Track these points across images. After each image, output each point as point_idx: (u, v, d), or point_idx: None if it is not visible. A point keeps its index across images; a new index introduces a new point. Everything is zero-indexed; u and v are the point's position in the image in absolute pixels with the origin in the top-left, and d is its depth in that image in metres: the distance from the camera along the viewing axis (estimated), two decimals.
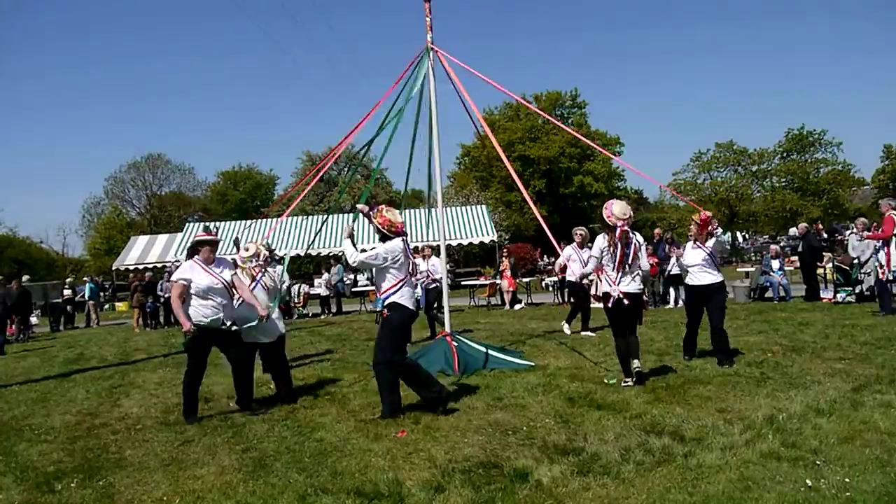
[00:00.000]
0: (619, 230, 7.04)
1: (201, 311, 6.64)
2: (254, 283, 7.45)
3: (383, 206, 6.86)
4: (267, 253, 7.80)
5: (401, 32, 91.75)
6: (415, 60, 9.47)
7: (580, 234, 12.16)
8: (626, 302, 7.02)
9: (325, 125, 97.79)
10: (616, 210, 7.09)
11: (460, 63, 9.66)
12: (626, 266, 7.10)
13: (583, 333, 11.41)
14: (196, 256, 6.82)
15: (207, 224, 7.93)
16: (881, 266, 11.71)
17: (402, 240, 6.68)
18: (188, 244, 7.34)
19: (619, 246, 7.05)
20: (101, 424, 7.01)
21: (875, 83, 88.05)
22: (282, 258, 9.10)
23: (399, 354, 6.51)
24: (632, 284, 7.16)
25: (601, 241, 7.24)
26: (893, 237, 11.41)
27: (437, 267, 12.45)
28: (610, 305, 7.13)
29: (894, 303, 11.82)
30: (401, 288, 6.52)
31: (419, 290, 12.19)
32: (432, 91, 9.33)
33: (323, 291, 21.32)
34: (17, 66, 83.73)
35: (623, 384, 7.07)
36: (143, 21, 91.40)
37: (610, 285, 7.13)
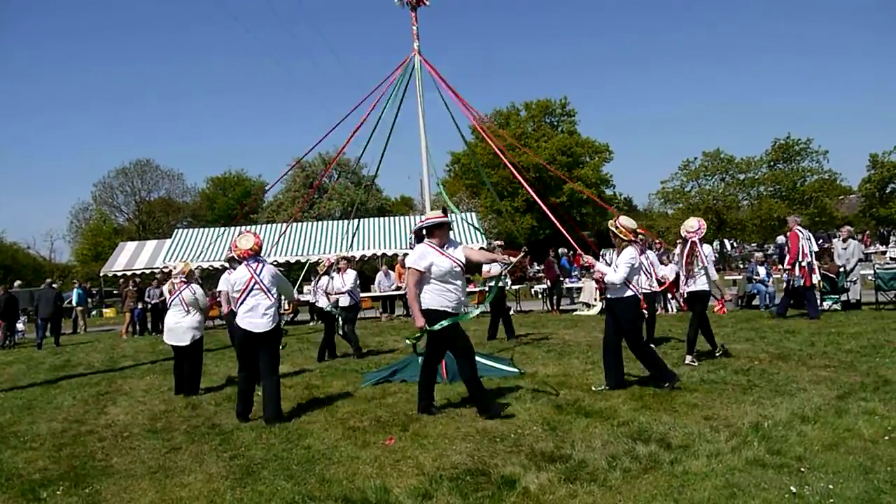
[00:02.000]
0: (689, 241, 8.79)
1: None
2: (173, 297, 8.76)
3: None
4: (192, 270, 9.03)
5: (390, 39, 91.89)
6: (400, 67, 9.52)
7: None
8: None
9: (314, 131, 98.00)
10: (687, 224, 8.95)
11: (439, 76, 9.74)
12: (694, 269, 8.81)
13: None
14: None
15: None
16: (795, 274, 13.05)
17: None
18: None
19: (687, 253, 8.81)
20: (87, 431, 6.97)
21: (861, 91, 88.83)
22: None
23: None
24: (700, 284, 8.89)
25: (679, 250, 9.12)
26: (801, 249, 12.96)
27: (350, 283, 11.82)
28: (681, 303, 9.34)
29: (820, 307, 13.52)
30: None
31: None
32: (419, 98, 9.36)
33: (312, 298, 21.23)
34: (3, 71, 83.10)
35: (688, 364, 8.46)
36: (133, 26, 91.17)
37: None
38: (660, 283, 10.11)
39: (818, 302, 13.80)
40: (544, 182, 49.35)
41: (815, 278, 12.94)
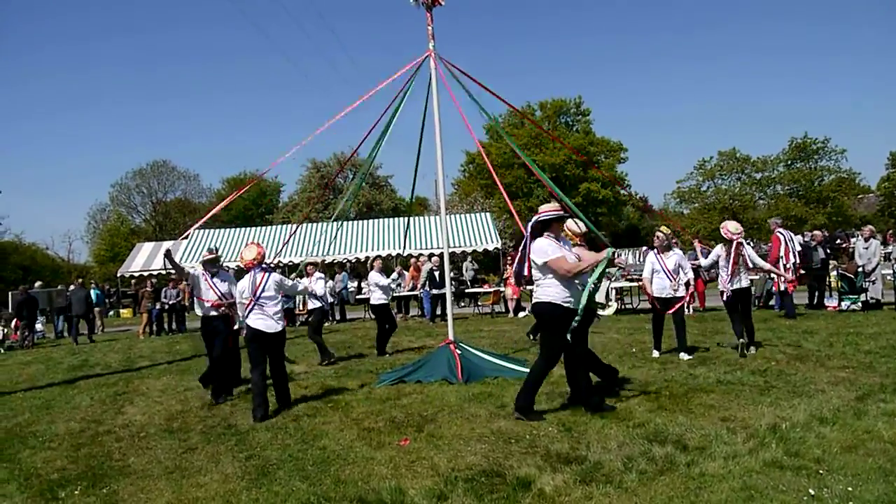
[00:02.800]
0: (734, 242, 9.35)
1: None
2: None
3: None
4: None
5: (404, 39, 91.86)
6: (415, 66, 9.51)
7: (660, 237, 9.74)
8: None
9: (330, 133, 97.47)
10: (731, 227, 9.51)
11: (463, 71, 9.71)
12: (739, 269, 9.39)
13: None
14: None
15: (211, 247, 8.37)
16: (778, 276, 13.35)
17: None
18: (201, 259, 8.01)
19: (733, 254, 9.30)
20: (104, 432, 7.03)
21: (882, 90, 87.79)
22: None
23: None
24: (744, 281, 9.50)
25: (719, 250, 9.69)
26: (789, 250, 13.37)
27: (320, 288, 11.57)
28: (726, 300, 9.53)
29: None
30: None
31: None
32: (435, 98, 9.36)
33: (327, 299, 21.32)
34: (22, 72, 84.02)
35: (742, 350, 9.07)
36: (149, 27, 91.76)
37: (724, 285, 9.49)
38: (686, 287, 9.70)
39: (838, 301, 13.77)
40: (560, 182, 49.30)
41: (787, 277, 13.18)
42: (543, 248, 6.30)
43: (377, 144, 10.14)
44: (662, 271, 9.54)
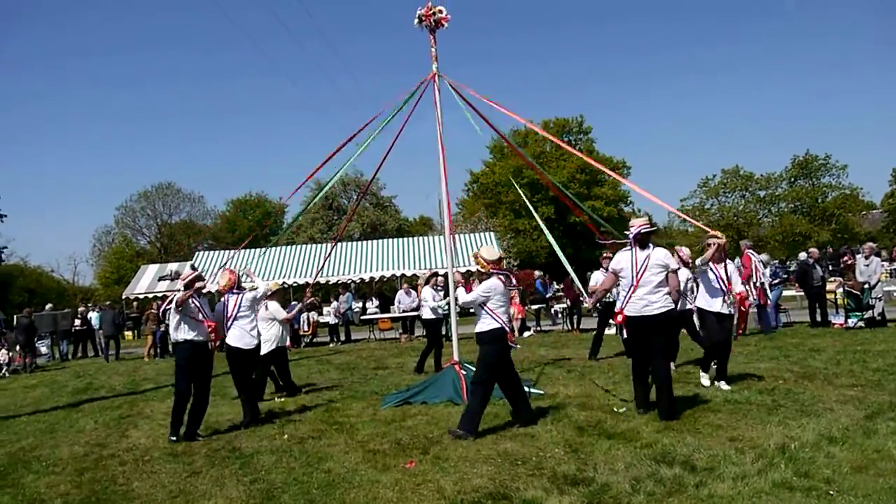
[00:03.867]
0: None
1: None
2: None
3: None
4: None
5: (408, 60, 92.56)
6: (422, 87, 9.57)
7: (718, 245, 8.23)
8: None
9: (337, 156, 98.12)
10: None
11: (469, 90, 9.76)
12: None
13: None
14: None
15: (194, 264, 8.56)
16: (749, 293, 12.90)
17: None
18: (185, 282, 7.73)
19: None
20: (109, 455, 6.99)
21: (884, 106, 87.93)
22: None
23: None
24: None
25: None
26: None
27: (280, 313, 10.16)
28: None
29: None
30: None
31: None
32: (439, 118, 9.40)
33: (332, 319, 21.30)
34: (24, 92, 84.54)
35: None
36: (153, 47, 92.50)
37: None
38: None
39: (845, 318, 13.73)
40: (563, 202, 49.33)
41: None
42: (664, 259, 7.05)
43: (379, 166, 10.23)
44: (717, 280, 8.22)
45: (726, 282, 8.18)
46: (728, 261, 8.49)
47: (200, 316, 7.56)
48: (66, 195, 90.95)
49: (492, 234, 30.78)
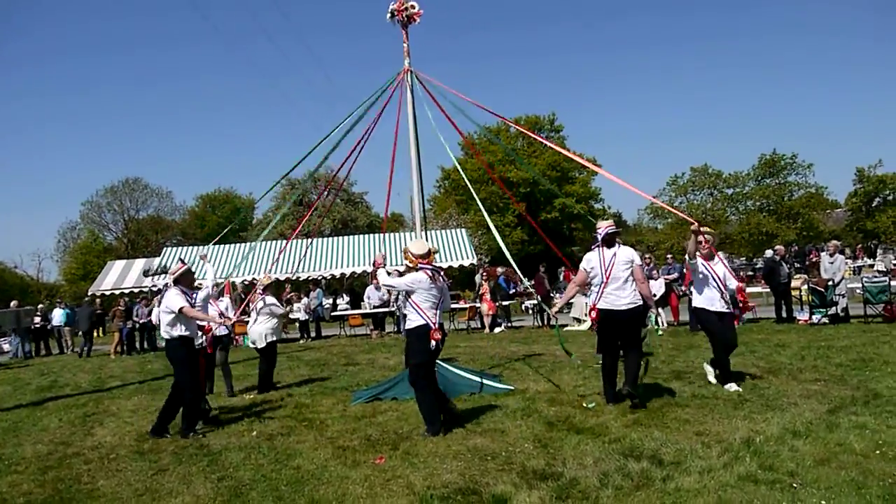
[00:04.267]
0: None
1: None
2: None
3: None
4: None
5: (379, 56, 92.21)
6: (394, 82, 9.54)
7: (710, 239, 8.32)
8: None
9: (303, 148, 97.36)
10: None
11: (441, 85, 9.75)
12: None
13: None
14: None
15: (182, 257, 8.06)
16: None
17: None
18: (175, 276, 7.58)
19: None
20: (73, 454, 6.87)
21: (847, 105, 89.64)
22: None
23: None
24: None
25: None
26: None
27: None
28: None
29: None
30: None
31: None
32: (410, 114, 9.39)
33: (302, 316, 21.16)
34: None
35: None
36: (121, 44, 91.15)
37: None
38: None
39: (809, 314, 14.03)
40: (534, 197, 49.56)
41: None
42: (634, 257, 7.35)
43: (351, 165, 10.20)
44: (712, 279, 8.10)
45: (720, 278, 8.08)
46: (719, 256, 8.33)
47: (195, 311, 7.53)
48: (29, 190, 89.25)
49: (463, 230, 30.78)
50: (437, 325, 6.67)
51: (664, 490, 4.50)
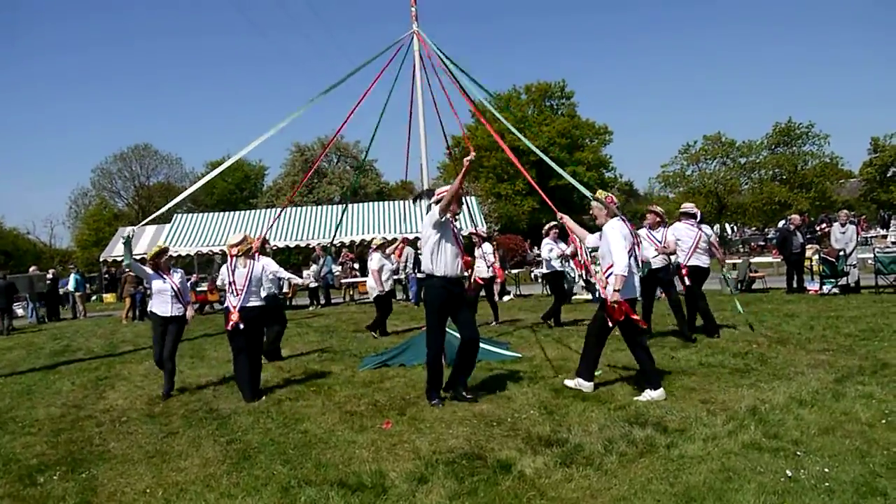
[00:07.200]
0: None
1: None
2: None
3: None
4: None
5: (386, 16, 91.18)
6: (398, 45, 9.40)
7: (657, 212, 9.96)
8: None
9: (314, 115, 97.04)
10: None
11: (442, 53, 9.57)
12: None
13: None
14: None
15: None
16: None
17: None
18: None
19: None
20: (85, 417, 6.98)
21: (863, 74, 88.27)
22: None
23: None
24: None
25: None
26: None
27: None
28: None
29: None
30: None
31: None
32: (418, 78, 9.27)
33: (311, 283, 21.22)
34: (1, 54, 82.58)
35: None
36: (128, 7, 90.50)
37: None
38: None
39: (820, 285, 14.05)
40: (545, 165, 49.23)
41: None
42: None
43: (373, 137, 10.13)
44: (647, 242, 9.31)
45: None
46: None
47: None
48: (42, 156, 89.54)
49: (473, 198, 30.71)
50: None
51: (668, 457, 4.53)
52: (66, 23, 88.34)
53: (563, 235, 12.14)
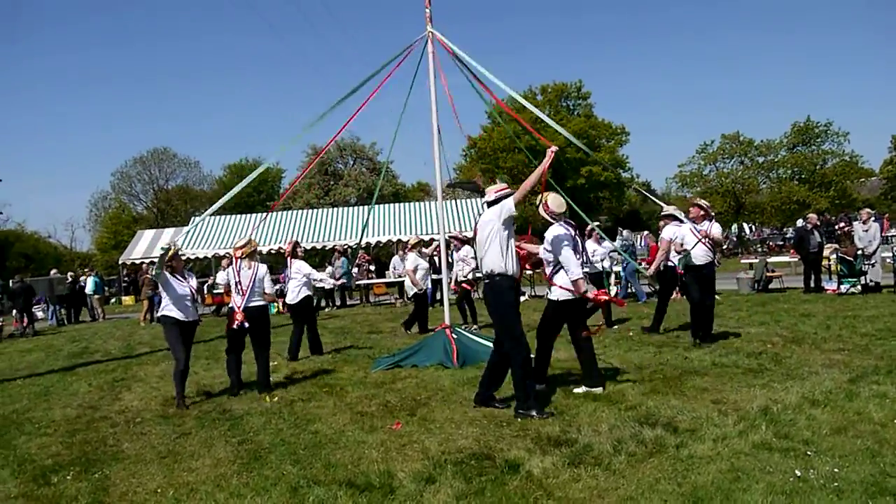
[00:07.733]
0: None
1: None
2: None
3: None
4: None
5: (402, 21, 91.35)
6: (413, 46, 9.41)
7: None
8: None
9: (331, 119, 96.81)
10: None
11: (460, 52, 9.56)
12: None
13: None
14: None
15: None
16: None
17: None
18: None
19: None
20: (100, 418, 7.06)
21: (883, 72, 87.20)
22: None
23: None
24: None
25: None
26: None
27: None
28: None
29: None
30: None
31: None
32: (432, 79, 9.29)
33: (327, 284, 21.27)
34: (20, 58, 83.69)
35: None
36: (147, 12, 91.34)
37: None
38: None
39: (837, 284, 13.92)
40: (560, 165, 49.13)
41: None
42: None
43: (393, 140, 10.12)
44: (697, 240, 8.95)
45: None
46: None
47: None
48: (63, 160, 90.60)
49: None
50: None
51: (677, 457, 4.50)
52: (69, 25, 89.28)
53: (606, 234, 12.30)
